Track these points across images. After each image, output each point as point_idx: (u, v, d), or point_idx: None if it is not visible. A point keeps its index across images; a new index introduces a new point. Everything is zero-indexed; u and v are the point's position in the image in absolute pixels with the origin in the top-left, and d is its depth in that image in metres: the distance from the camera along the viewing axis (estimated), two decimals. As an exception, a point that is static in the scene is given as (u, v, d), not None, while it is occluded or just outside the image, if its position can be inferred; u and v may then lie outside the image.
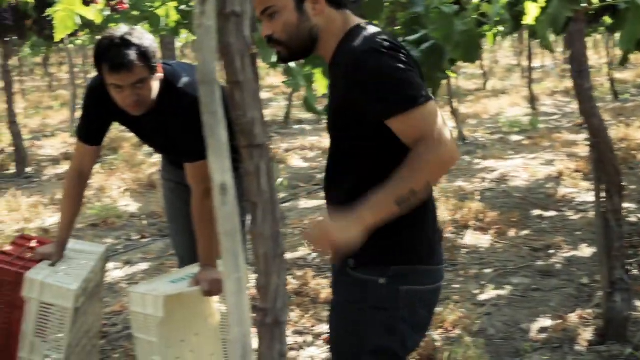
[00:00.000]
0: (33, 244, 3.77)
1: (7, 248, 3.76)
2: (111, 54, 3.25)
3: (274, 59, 3.69)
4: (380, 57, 2.35)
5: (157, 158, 10.40)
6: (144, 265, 6.20)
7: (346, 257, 2.55)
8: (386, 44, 2.39)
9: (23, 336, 3.49)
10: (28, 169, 10.55)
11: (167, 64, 3.52)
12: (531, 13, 3.42)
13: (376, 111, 2.37)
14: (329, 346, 2.91)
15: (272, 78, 23.74)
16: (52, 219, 7.80)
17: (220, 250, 3.33)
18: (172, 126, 3.49)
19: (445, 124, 2.38)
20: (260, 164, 1.95)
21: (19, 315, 3.50)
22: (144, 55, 3.28)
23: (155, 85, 3.38)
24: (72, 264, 3.63)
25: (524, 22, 3.49)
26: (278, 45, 2.48)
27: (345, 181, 2.59)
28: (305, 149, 11.32)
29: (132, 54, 3.24)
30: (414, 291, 2.52)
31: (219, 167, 1.81)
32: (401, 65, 2.36)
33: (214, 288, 3.45)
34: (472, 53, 3.67)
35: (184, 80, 3.47)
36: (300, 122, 14.18)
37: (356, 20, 2.55)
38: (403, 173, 2.31)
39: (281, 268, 1.98)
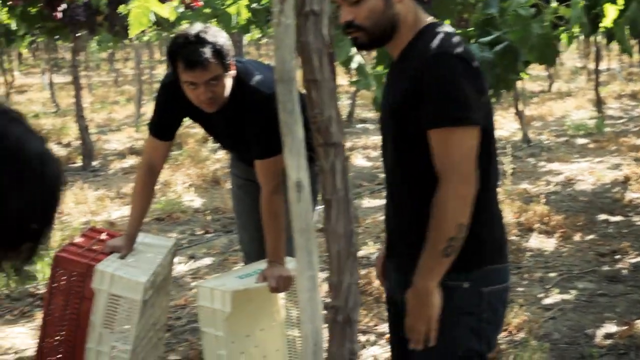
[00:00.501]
0: (103, 236, 3.83)
1: (77, 240, 3.81)
2: (186, 51, 3.27)
3: (345, 57, 3.69)
4: (450, 64, 2.35)
5: (222, 154, 10.49)
6: (207, 260, 6.26)
7: (413, 259, 2.55)
8: (460, 50, 2.39)
9: (92, 327, 3.54)
10: (94, 163, 10.71)
11: (239, 61, 3.55)
12: (610, 15, 3.37)
13: (425, 115, 2.37)
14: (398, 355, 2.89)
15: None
16: (118, 212, 7.91)
17: (284, 248, 3.39)
18: (243, 123, 3.50)
19: (472, 151, 2.37)
20: (335, 162, 1.96)
21: (87, 307, 3.55)
22: (219, 53, 3.30)
23: (229, 83, 3.40)
24: (141, 257, 3.67)
25: (601, 25, 3.45)
26: (358, 31, 2.46)
27: (401, 195, 2.59)
28: (368, 148, 11.30)
29: (207, 52, 3.26)
30: (494, 291, 2.53)
31: (295, 165, 1.83)
32: (465, 80, 2.35)
33: (281, 284, 3.47)
34: (548, 55, 3.64)
35: (256, 77, 3.49)
36: (363, 121, 14.15)
37: (428, 18, 2.54)
38: (435, 225, 2.37)
39: (353, 267, 1.99)
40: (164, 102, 3.67)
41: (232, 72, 3.41)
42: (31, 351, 4.48)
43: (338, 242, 1.96)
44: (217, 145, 11.00)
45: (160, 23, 9.08)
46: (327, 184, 1.96)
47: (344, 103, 15.93)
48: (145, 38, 16.04)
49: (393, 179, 2.62)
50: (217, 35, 3.35)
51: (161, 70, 24.46)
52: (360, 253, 6.22)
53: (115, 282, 3.47)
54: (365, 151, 11.12)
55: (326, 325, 1.92)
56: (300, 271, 1.86)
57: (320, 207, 2.00)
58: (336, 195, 1.95)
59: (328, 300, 1.98)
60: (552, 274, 5.63)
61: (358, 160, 10.43)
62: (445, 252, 2.37)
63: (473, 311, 2.49)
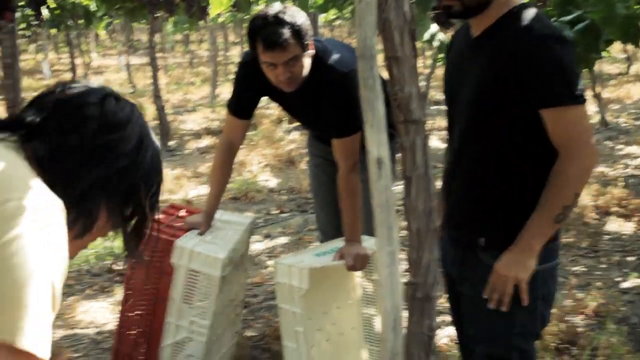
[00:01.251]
0: (182, 213, 3.89)
1: (157, 217, 3.87)
2: (266, 32, 3.28)
3: (427, 36, 3.68)
4: (561, 47, 2.39)
5: (296, 135, 10.55)
6: (283, 239, 6.31)
7: (474, 233, 2.57)
8: (563, 34, 2.44)
9: (171, 301, 3.61)
10: (171, 143, 10.86)
11: (317, 40, 3.56)
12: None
13: (538, 96, 2.39)
14: (459, 330, 2.91)
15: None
16: (194, 191, 8.02)
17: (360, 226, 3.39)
18: (322, 102, 3.52)
19: (591, 127, 2.49)
20: (416, 140, 1.96)
21: (167, 282, 3.62)
22: (298, 33, 3.30)
23: (307, 62, 3.41)
24: (219, 233, 3.72)
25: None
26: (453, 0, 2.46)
27: (474, 170, 2.59)
28: (442, 130, 11.25)
29: (286, 32, 3.27)
30: (547, 269, 2.57)
31: (376, 141, 1.84)
32: (573, 61, 2.41)
33: (357, 263, 3.49)
34: (632, 35, 3.57)
35: (334, 56, 3.49)
36: (437, 103, 14.07)
37: None
38: (552, 191, 2.42)
39: (433, 243, 2.00)
40: (243, 81, 3.70)
41: (311, 51, 3.42)
42: (111, 325, 4.58)
43: (418, 218, 1.97)
44: (293, 125, 11.10)
45: (237, 4, 9.14)
46: (407, 161, 1.97)
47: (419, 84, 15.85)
48: (221, 20, 16.17)
49: (464, 156, 2.63)
50: (296, 15, 3.35)
51: (235, 52, 24.64)
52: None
53: (194, 258, 3.53)
54: (440, 132, 11.05)
55: (405, 302, 1.93)
56: (380, 247, 1.87)
57: (400, 184, 2.00)
58: (416, 172, 1.96)
59: (407, 278, 1.99)
60: (630, 258, 5.54)
61: (433, 142, 10.38)
62: (557, 218, 2.43)
63: (528, 289, 2.51)
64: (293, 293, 3.42)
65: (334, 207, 3.73)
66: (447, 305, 4.58)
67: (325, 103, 3.50)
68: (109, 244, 5.94)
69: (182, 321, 3.61)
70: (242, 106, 3.75)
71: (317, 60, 3.47)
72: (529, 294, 2.50)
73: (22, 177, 1.27)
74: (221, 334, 3.80)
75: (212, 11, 3.86)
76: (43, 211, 1.23)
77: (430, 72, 13.04)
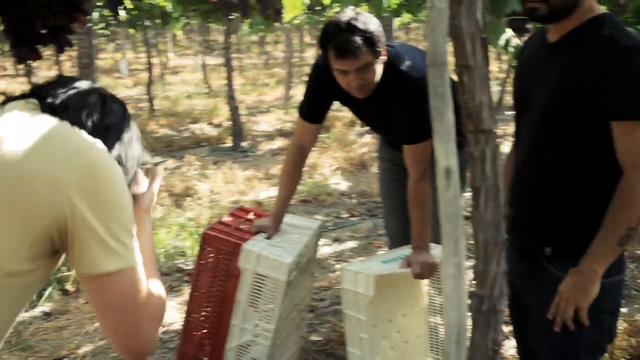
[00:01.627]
0: (250, 216, 3.90)
1: (226, 219, 3.89)
2: (337, 39, 3.26)
3: (502, 41, 3.62)
4: None
5: (369, 138, 10.51)
6: (352, 244, 6.29)
7: (540, 242, 2.52)
8: None
9: (237, 304, 3.61)
10: (244, 143, 10.93)
11: (390, 45, 3.53)
12: None
13: (611, 107, 2.34)
14: (521, 343, 2.86)
15: (485, 63, 23.37)
16: (265, 192, 8.05)
17: (429, 234, 3.37)
18: (394, 108, 3.49)
19: None
20: (486, 149, 1.92)
21: (233, 284, 3.62)
22: (370, 40, 3.27)
23: (379, 69, 3.39)
24: (287, 237, 3.72)
25: None
26: (540, 2, 2.42)
27: (541, 177, 2.54)
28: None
29: (358, 40, 3.25)
30: (614, 282, 2.52)
31: (445, 151, 1.80)
32: None
33: (424, 271, 3.46)
34: None
35: (407, 62, 3.46)
36: (512, 108, 13.92)
37: (599, 7, 2.48)
38: (616, 213, 2.36)
39: (500, 255, 1.95)
40: (315, 85, 3.70)
41: (383, 58, 3.39)
42: (178, 325, 4.62)
43: (485, 230, 1.93)
44: (365, 129, 11.07)
45: (312, 7, 9.15)
46: (476, 171, 1.93)
47: (493, 89, 15.69)
48: (296, 22, 16.22)
49: (531, 163, 2.58)
50: (368, 22, 3.32)
51: (311, 54, 24.72)
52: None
53: (261, 262, 3.53)
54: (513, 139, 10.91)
55: (470, 313, 1.89)
56: (446, 258, 1.84)
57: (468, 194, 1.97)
58: (485, 183, 1.92)
59: (473, 289, 1.95)
60: None
61: (506, 148, 10.24)
62: (621, 240, 2.37)
63: (595, 303, 2.46)
64: (359, 300, 3.40)
65: (403, 213, 3.71)
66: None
67: (397, 109, 3.47)
68: (179, 244, 6.00)
69: (247, 324, 3.62)
70: (313, 110, 3.74)
71: (390, 65, 3.44)
72: (595, 307, 2.45)
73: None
74: (286, 338, 3.80)
75: (287, 14, 3.85)
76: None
77: (505, 77, 12.88)
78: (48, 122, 1.67)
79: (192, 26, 24.68)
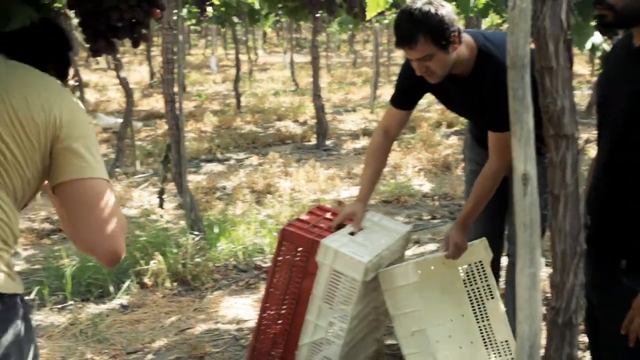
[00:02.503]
0: (328, 215, 3.87)
1: (304, 217, 3.87)
2: (399, 28, 3.29)
3: (589, 45, 3.51)
4: None
5: (454, 139, 10.39)
6: (431, 246, 6.21)
7: (616, 254, 2.42)
8: None
9: (312, 299, 3.58)
10: (328, 142, 10.92)
11: (480, 32, 3.53)
12: None
13: None
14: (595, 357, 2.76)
15: (576, 66, 23.00)
16: (347, 192, 8.02)
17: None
18: (484, 94, 3.46)
19: None
20: (566, 155, 1.85)
21: (309, 283, 3.59)
22: (432, 32, 3.26)
23: (449, 58, 3.36)
24: (371, 237, 3.67)
25: None
26: (607, 9, 2.37)
27: (619, 186, 2.45)
28: (606, 142, 10.84)
29: (417, 32, 3.25)
30: None
31: (523, 156, 1.73)
32: None
33: (452, 252, 3.56)
34: None
35: (498, 48, 3.43)
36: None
37: None
38: None
39: (579, 267, 1.87)
40: (405, 72, 3.71)
41: (455, 46, 3.35)
42: (252, 322, 4.62)
43: (564, 240, 1.86)
44: (451, 130, 10.95)
45: (398, 5, 9.09)
46: (556, 178, 1.86)
47: (584, 93, 15.39)
48: (385, 21, 16.16)
49: (610, 170, 2.49)
50: (438, 11, 3.28)
51: (399, 54, 24.58)
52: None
53: (338, 258, 3.48)
54: (603, 145, 10.67)
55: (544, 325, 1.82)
56: (521, 268, 1.77)
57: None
58: (565, 190, 1.85)
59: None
60: None
61: (592, 153, 10.01)
62: None
63: None
64: (401, 293, 3.42)
65: (486, 217, 3.72)
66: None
67: (488, 95, 3.43)
68: (258, 241, 6.00)
69: (321, 321, 3.58)
70: (401, 96, 3.78)
71: (480, 52, 3.43)
72: None
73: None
74: (360, 339, 3.75)
75: (369, 12, 3.80)
76: None
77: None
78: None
79: (282, 24, 24.83)
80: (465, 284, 3.74)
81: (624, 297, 2.39)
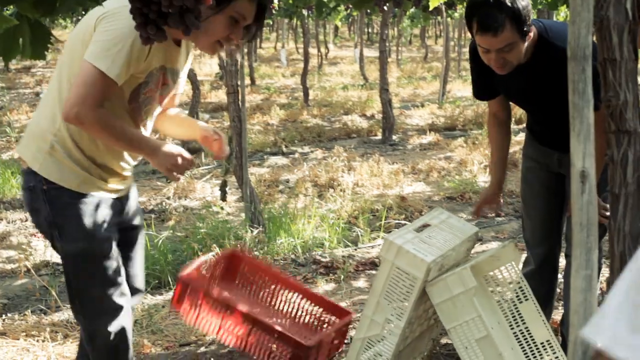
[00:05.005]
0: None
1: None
2: (482, 13, 3.17)
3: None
4: None
5: (523, 135, 10.22)
6: (494, 244, 6.09)
7: None
8: None
9: (372, 293, 3.52)
10: (394, 137, 10.83)
11: (539, 20, 3.44)
12: None
13: None
14: None
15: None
16: (410, 187, 7.92)
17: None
18: (544, 80, 3.40)
19: None
20: (628, 152, 1.76)
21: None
22: (517, 19, 3.17)
23: (523, 48, 3.29)
24: (437, 235, 3.59)
25: None
26: None
27: None
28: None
29: (502, 17, 3.15)
30: None
31: (582, 152, 1.65)
32: None
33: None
34: None
35: (558, 35, 3.35)
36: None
37: None
38: None
39: (639, 270, 1.78)
40: (472, 64, 3.68)
41: (530, 36, 3.29)
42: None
43: (623, 241, 1.78)
44: (520, 126, 10.77)
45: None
46: (616, 176, 1.78)
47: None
48: (457, 15, 16.01)
49: None
50: None
51: (470, 49, 24.39)
52: None
53: (401, 255, 3.39)
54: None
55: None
56: (577, 269, 1.69)
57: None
58: (625, 189, 1.76)
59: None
60: None
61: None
62: None
63: None
64: (460, 301, 3.35)
65: (541, 216, 3.69)
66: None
67: (551, 81, 3.36)
68: (318, 235, 5.96)
69: (378, 316, 3.50)
70: (478, 88, 3.77)
71: (540, 39, 3.36)
72: None
73: None
74: (416, 338, 3.67)
75: (432, 3, 3.73)
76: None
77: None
78: None
79: (354, 18, 24.79)
80: (494, 289, 3.64)
81: None
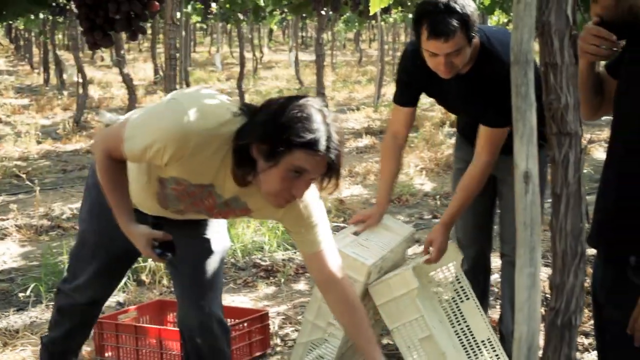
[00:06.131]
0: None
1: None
2: (434, 19, 3.20)
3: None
4: None
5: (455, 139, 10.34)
6: (432, 246, 6.16)
7: (625, 251, 2.37)
8: None
9: (312, 299, 3.54)
10: (331, 140, 10.84)
11: (480, 28, 3.49)
12: None
13: None
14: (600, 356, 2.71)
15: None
16: (348, 190, 7.98)
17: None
18: (483, 88, 3.45)
19: None
20: (569, 154, 1.81)
21: None
22: (466, 24, 3.22)
23: (469, 53, 3.34)
24: (375, 238, 3.62)
25: None
26: (595, 15, 2.35)
27: (628, 181, 2.40)
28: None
29: (454, 23, 3.19)
30: None
31: (525, 153, 1.70)
32: None
33: (437, 256, 3.54)
34: None
35: (499, 44, 3.43)
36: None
37: None
38: None
39: (579, 267, 1.84)
40: (405, 65, 3.70)
41: (475, 42, 3.35)
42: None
43: (565, 240, 1.83)
44: (454, 129, 10.90)
45: (404, 3, 9.05)
46: (557, 177, 1.83)
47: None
48: (391, 19, 16.15)
49: (620, 167, 2.44)
50: (466, 4, 3.25)
51: (404, 53, 24.63)
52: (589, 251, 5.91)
53: (342, 259, 3.43)
54: (607, 144, 10.61)
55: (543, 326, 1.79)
56: (520, 267, 1.74)
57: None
58: (567, 189, 1.81)
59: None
60: None
61: (599, 154, 9.94)
62: None
63: None
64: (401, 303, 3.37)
65: (473, 216, 3.78)
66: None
67: (488, 90, 3.42)
68: (258, 239, 5.97)
69: (320, 321, 3.54)
70: (403, 91, 3.75)
71: (482, 47, 3.42)
72: None
73: None
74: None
75: (372, 8, 3.77)
76: None
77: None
78: None
79: (288, 22, 24.82)
80: (435, 289, 3.71)
81: (632, 296, 2.34)
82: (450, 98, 3.72)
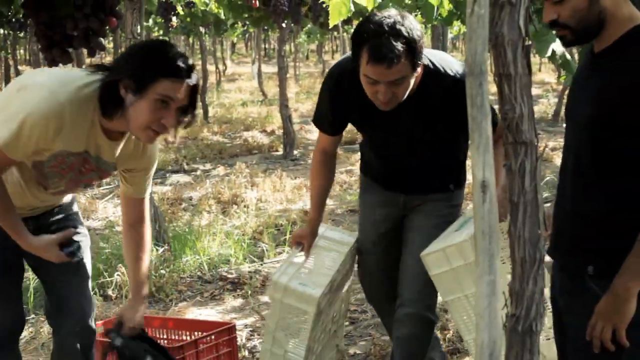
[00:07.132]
0: None
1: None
2: (377, 42, 2.87)
3: (550, 52, 3.50)
4: None
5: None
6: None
7: (583, 260, 2.41)
8: None
9: (266, 329, 3.52)
10: (295, 152, 10.89)
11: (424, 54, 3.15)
12: None
13: None
14: None
15: (543, 74, 23.18)
16: (312, 201, 7.97)
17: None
18: (429, 113, 3.20)
19: None
20: (525, 162, 1.84)
21: None
22: (412, 51, 2.91)
23: (412, 83, 3.04)
24: (320, 259, 3.57)
25: None
26: (563, 29, 2.37)
27: (584, 191, 2.44)
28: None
29: (399, 48, 2.86)
30: None
31: (481, 163, 1.73)
32: None
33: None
34: None
35: (440, 63, 3.17)
36: (568, 121, 13.69)
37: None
38: None
39: (538, 274, 1.87)
40: (329, 97, 3.39)
41: (419, 71, 3.03)
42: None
43: (523, 247, 1.86)
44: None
45: (363, 14, 9.11)
46: (514, 185, 1.86)
47: (550, 101, 15.48)
48: (352, 30, 16.18)
49: (574, 177, 2.48)
50: (413, 28, 2.92)
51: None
52: (548, 258, 5.96)
53: (288, 293, 3.38)
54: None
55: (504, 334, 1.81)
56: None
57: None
58: (524, 197, 1.84)
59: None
60: None
61: (558, 161, 10.04)
62: None
63: (635, 322, 2.34)
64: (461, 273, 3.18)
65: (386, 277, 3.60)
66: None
67: (446, 110, 3.15)
68: (224, 252, 5.97)
69: (277, 349, 3.49)
70: (333, 124, 3.47)
71: (427, 71, 3.11)
72: (636, 327, 2.34)
73: None
74: (321, 351, 3.66)
75: (332, 20, 3.78)
76: None
77: (562, 89, 12.73)
78: None
79: (250, 34, 24.79)
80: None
81: (590, 303, 2.38)
82: (385, 127, 3.34)
